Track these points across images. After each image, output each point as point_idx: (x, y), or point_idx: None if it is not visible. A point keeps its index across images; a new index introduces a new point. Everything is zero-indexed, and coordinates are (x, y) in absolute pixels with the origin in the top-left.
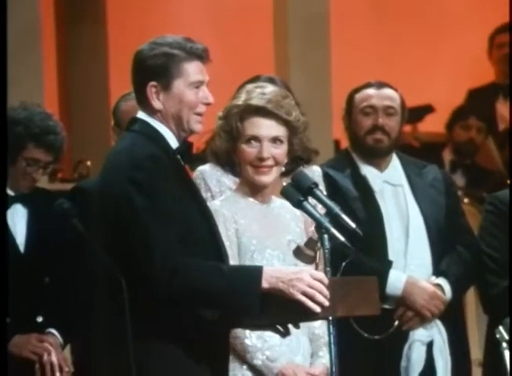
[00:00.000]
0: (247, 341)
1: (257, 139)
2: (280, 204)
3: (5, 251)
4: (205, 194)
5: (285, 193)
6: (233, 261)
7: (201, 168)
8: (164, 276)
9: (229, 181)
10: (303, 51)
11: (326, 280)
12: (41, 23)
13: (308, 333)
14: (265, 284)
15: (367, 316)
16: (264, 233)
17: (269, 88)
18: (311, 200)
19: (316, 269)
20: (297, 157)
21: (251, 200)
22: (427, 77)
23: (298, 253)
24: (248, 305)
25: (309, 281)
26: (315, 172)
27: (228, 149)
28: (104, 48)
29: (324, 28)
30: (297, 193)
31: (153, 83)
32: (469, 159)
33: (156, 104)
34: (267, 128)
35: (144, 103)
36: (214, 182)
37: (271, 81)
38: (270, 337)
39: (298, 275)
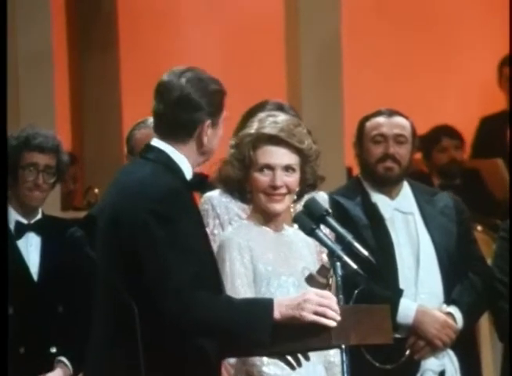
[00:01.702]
0: (265, 369)
1: (270, 167)
2: (292, 232)
3: (6, 268)
4: (213, 221)
5: (297, 221)
6: (249, 288)
7: (209, 194)
8: (174, 310)
9: (237, 208)
10: (315, 77)
11: (332, 296)
12: (53, 50)
13: (324, 361)
14: (276, 315)
15: (380, 344)
16: (278, 260)
17: (281, 117)
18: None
19: None
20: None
21: (264, 228)
22: (438, 100)
23: (311, 280)
24: (262, 338)
25: (317, 300)
26: (321, 198)
27: (241, 177)
28: (116, 75)
29: (337, 54)
30: (310, 220)
31: (208, 121)
32: (457, 179)
33: (205, 140)
34: (280, 156)
35: (186, 137)
36: (223, 209)
37: (279, 106)
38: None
39: (305, 297)
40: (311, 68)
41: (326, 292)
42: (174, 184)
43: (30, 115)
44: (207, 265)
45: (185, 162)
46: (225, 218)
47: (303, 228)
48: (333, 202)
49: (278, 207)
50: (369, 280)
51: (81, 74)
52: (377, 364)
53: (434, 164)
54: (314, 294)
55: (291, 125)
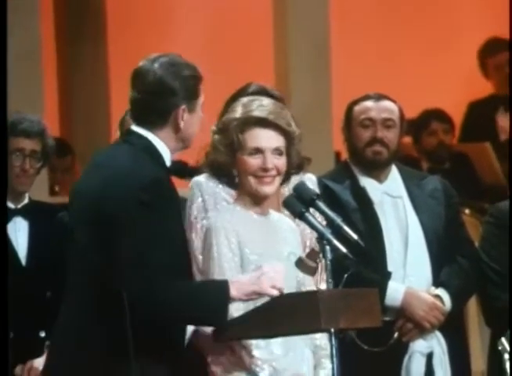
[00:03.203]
0: (255, 353)
1: (259, 150)
2: (278, 217)
3: (6, 264)
4: (199, 205)
5: (287, 204)
6: (236, 272)
7: (196, 178)
8: (141, 296)
9: (225, 193)
10: (304, 62)
11: (281, 270)
12: (41, 43)
13: (310, 345)
14: (233, 292)
15: (368, 327)
16: (265, 245)
17: (266, 101)
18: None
19: (318, 280)
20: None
21: (251, 212)
22: (425, 85)
23: (300, 264)
24: (219, 317)
25: (272, 274)
26: (310, 180)
27: (228, 161)
28: (105, 66)
29: (325, 39)
30: (300, 204)
31: (183, 106)
32: (446, 163)
33: (182, 125)
34: (269, 139)
35: (161, 122)
36: (210, 194)
37: (262, 89)
38: (276, 348)
39: (263, 270)
40: (299, 53)
41: (278, 265)
42: (159, 173)
43: (19, 108)
44: (181, 256)
45: (164, 148)
46: (211, 202)
47: (293, 211)
48: (322, 186)
49: (268, 189)
50: (358, 264)
51: (69, 66)
52: (366, 347)
53: (424, 147)
54: (269, 267)
55: (278, 108)
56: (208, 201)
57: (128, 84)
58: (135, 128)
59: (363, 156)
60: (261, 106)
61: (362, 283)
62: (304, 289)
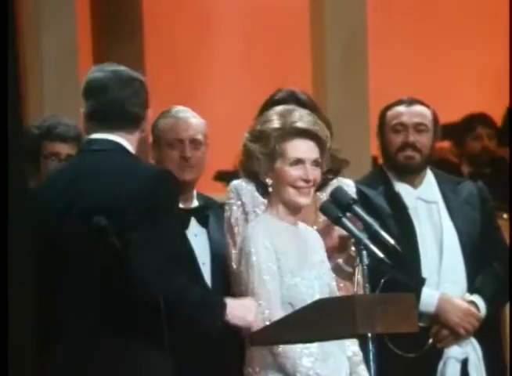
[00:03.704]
0: (299, 361)
1: (300, 161)
2: (304, 227)
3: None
4: (238, 209)
5: (324, 210)
6: (275, 281)
7: (235, 182)
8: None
9: (263, 197)
10: (341, 66)
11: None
12: (77, 44)
13: (345, 351)
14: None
15: (404, 333)
16: (298, 253)
17: (302, 111)
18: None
19: (355, 285)
20: (328, 170)
21: (282, 222)
22: (463, 91)
23: (337, 270)
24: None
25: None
26: (349, 186)
27: (263, 170)
28: (141, 66)
29: (362, 44)
30: (336, 209)
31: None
32: (486, 168)
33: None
34: (309, 150)
35: (132, 131)
36: (248, 198)
37: (290, 95)
38: (317, 354)
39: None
40: (336, 57)
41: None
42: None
43: (55, 109)
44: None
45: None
46: (249, 206)
47: (329, 216)
48: (357, 191)
49: (305, 200)
50: (394, 269)
51: (106, 62)
52: (400, 352)
53: (467, 152)
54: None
55: (316, 119)
56: (247, 204)
57: (164, 82)
58: (104, 135)
59: (395, 161)
60: (302, 117)
61: (397, 288)
62: (335, 295)
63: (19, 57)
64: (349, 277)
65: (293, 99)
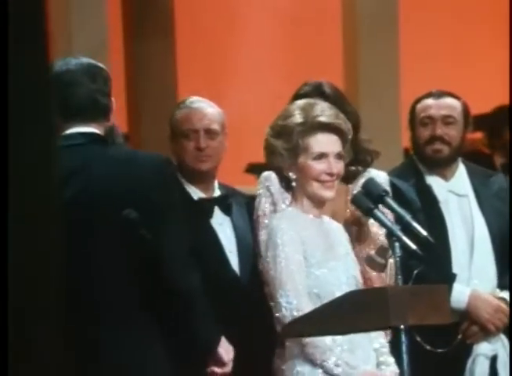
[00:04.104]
0: (327, 351)
1: (324, 155)
2: (328, 219)
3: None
4: (267, 200)
5: (355, 201)
6: (302, 272)
7: (265, 173)
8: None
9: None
10: (372, 58)
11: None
12: (108, 40)
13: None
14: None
15: (434, 326)
16: (324, 246)
17: (324, 104)
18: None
19: (387, 276)
20: (357, 161)
21: (307, 215)
22: (494, 82)
23: (370, 261)
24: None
25: None
26: (381, 178)
27: (287, 165)
28: (172, 62)
29: (393, 35)
30: (368, 200)
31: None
32: None
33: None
34: (332, 143)
35: (103, 122)
36: (278, 190)
37: (318, 86)
38: (346, 345)
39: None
40: (368, 49)
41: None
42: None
43: None
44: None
45: None
46: (278, 198)
47: (361, 208)
48: (388, 183)
49: (329, 193)
50: (426, 262)
51: (136, 61)
52: (428, 347)
53: (502, 142)
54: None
55: (338, 112)
56: (276, 196)
57: (196, 79)
58: (86, 129)
59: (424, 154)
60: (324, 111)
61: (430, 281)
62: (361, 287)
63: (50, 55)
64: (381, 269)
65: (318, 92)
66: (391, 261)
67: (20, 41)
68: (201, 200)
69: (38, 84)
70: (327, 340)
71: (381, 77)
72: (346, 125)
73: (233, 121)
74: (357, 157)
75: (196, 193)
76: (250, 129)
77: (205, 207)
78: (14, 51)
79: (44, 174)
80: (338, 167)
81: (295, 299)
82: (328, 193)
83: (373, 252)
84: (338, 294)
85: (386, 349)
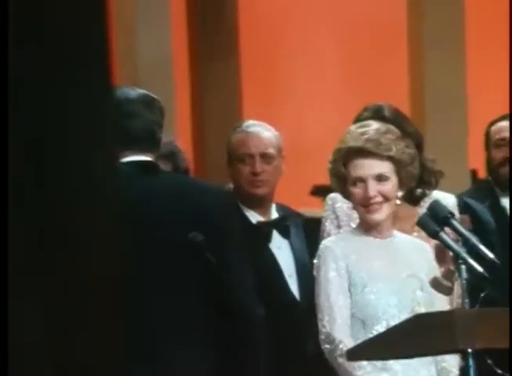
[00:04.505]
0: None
1: (361, 179)
2: (403, 239)
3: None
4: (332, 223)
5: (421, 224)
6: (342, 295)
7: (332, 195)
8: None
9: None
10: (438, 79)
11: None
12: (173, 56)
13: (436, 366)
14: None
15: (505, 349)
16: (378, 267)
17: (369, 127)
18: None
19: (454, 299)
20: (422, 181)
21: (366, 237)
22: None
23: (436, 284)
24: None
25: None
26: (449, 201)
27: (343, 190)
28: (237, 83)
29: (459, 55)
30: (433, 223)
31: None
32: None
33: None
34: (369, 167)
35: (155, 154)
36: (344, 212)
37: (377, 110)
38: (397, 368)
39: None
40: (434, 72)
41: None
42: None
43: None
44: None
45: None
46: (344, 220)
47: (427, 231)
48: (463, 204)
49: (376, 216)
50: (494, 284)
51: (201, 81)
52: (499, 371)
53: None
54: None
55: (377, 134)
56: (341, 218)
57: (260, 100)
58: (144, 157)
59: (498, 175)
60: (361, 135)
61: (497, 304)
62: (420, 310)
63: (114, 74)
64: (448, 292)
65: (378, 116)
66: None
67: (83, 64)
68: (260, 223)
69: (103, 107)
70: (386, 368)
71: (448, 97)
72: (385, 147)
73: (299, 143)
74: (422, 177)
75: (254, 217)
76: (315, 151)
77: (264, 232)
78: (77, 73)
79: (108, 202)
80: (379, 188)
81: (328, 323)
82: (374, 216)
83: (439, 275)
84: (382, 317)
85: (453, 374)
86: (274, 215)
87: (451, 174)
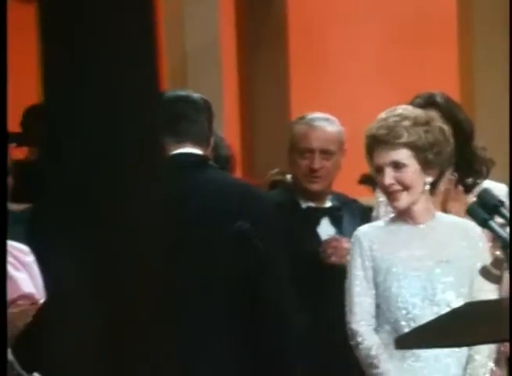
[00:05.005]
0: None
1: (379, 167)
2: (446, 222)
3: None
4: (382, 208)
5: (470, 212)
6: (367, 288)
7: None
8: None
9: None
10: (488, 69)
11: None
12: (220, 44)
13: (467, 357)
14: None
15: None
16: (404, 256)
17: (391, 113)
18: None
19: (503, 288)
20: (473, 171)
21: (402, 224)
22: None
23: (484, 272)
24: None
25: None
26: (500, 191)
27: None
28: (286, 73)
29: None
30: (483, 211)
31: None
32: None
33: None
34: (384, 155)
35: (208, 144)
36: (383, 207)
37: (430, 97)
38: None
39: None
40: (483, 52)
41: None
42: None
43: None
44: None
45: None
46: (382, 214)
47: (476, 219)
48: None
49: (397, 204)
50: None
51: (249, 71)
52: None
53: None
54: None
55: (393, 122)
56: (380, 213)
57: (309, 90)
58: (194, 150)
59: None
60: (377, 122)
61: None
62: (447, 299)
63: (161, 62)
64: (496, 280)
65: (429, 102)
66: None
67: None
68: (309, 208)
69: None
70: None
71: (497, 86)
72: (396, 134)
73: (347, 132)
74: (473, 166)
75: (306, 203)
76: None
77: (312, 216)
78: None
79: (161, 193)
80: (396, 176)
81: (348, 316)
82: (395, 204)
83: (488, 264)
84: (402, 306)
85: (479, 363)
86: (327, 203)
87: (502, 162)
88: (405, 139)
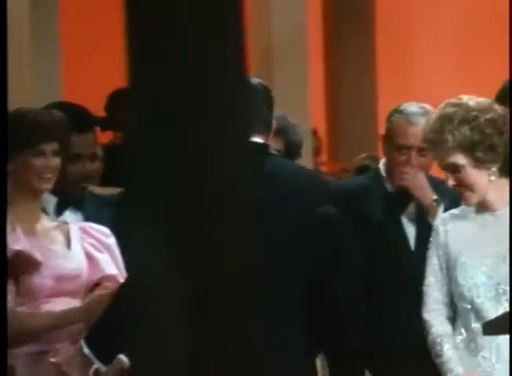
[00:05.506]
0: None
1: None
2: (505, 213)
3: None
4: None
5: None
6: (440, 280)
7: None
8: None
9: None
10: None
11: None
12: (307, 24)
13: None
14: None
15: None
16: (473, 245)
17: (443, 111)
18: None
19: None
20: None
21: (478, 212)
22: None
23: None
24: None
25: None
26: None
27: None
28: (372, 57)
29: None
30: None
31: None
32: None
33: None
34: (439, 159)
35: (269, 131)
36: None
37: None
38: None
39: None
40: None
41: None
42: None
43: (284, 90)
44: None
45: None
46: None
47: None
48: None
49: (467, 203)
50: None
51: (335, 53)
52: None
53: None
54: None
55: (440, 124)
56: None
57: (395, 74)
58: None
59: None
60: (426, 124)
61: None
62: (507, 289)
63: (247, 41)
64: None
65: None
66: None
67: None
68: (395, 193)
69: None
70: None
71: None
72: (441, 139)
73: None
74: None
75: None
76: None
77: (397, 201)
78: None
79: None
80: (456, 179)
81: (423, 304)
82: (465, 203)
83: None
84: (468, 295)
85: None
86: None
87: None
88: (450, 143)
